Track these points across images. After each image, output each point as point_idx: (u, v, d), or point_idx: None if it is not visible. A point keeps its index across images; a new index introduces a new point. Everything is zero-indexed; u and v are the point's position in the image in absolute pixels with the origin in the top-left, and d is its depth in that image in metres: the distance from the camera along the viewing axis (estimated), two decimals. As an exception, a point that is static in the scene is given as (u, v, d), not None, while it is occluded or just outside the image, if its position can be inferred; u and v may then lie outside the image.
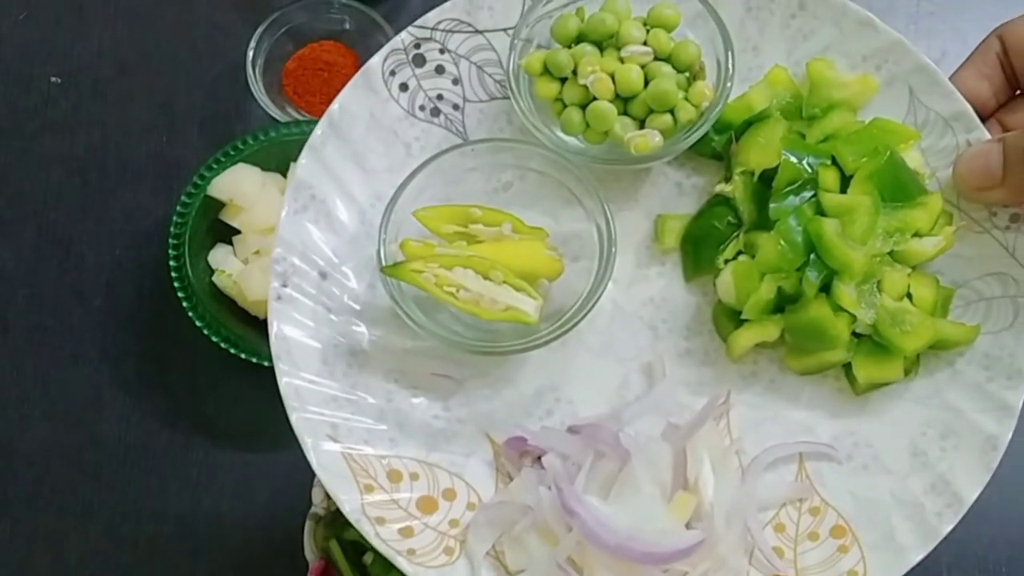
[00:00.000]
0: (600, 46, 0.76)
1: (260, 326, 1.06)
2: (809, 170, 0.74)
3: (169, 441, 1.08)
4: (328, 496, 0.91)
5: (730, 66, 0.75)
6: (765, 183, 0.75)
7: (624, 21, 0.76)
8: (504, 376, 0.75)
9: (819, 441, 0.73)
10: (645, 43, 0.75)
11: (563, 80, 0.76)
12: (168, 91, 1.15)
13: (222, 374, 1.08)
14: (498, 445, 0.73)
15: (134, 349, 1.10)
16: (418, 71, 0.78)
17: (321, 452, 0.70)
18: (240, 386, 1.08)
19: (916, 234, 0.73)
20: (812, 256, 0.72)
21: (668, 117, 0.75)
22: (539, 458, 0.71)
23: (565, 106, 0.76)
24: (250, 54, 1.10)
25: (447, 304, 0.72)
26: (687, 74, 0.76)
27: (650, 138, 0.74)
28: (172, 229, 1.04)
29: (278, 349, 0.72)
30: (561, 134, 0.76)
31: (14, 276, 1.11)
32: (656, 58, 0.75)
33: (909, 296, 0.73)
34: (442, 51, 0.78)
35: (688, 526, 0.69)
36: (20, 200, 1.13)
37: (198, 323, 1.03)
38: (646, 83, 0.75)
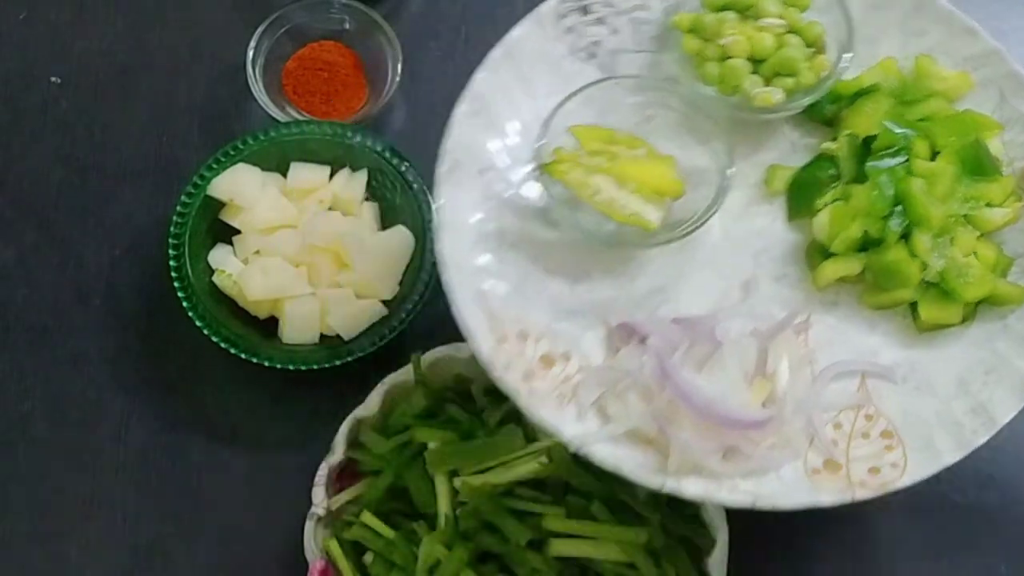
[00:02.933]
0: (741, 14, 0.94)
1: (260, 326, 1.08)
2: (906, 139, 0.92)
3: (169, 441, 1.09)
4: (328, 496, 0.97)
5: (849, 48, 0.93)
6: (865, 146, 0.92)
7: (764, -4, 0.95)
8: (625, 273, 0.92)
9: (881, 364, 0.90)
10: (780, 17, 0.94)
11: (706, 39, 0.95)
12: (168, 91, 1.18)
13: (222, 374, 1.09)
14: (611, 326, 0.90)
15: (134, 349, 1.11)
16: (583, 19, 0.97)
17: (467, 307, 0.87)
18: (240, 386, 1.10)
19: (988, 204, 0.90)
20: (898, 208, 0.89)
21: (790, 80, 0.93)
22: (643, 340, 0.89)
23: (706, 60, 0.94)
24: (250, 54, 1.12)
25: (586, 203, 0.90)
26: (812, 48, 0.94)
27: (772, 95, 0.92)
28: (172, 229, 1.06)
29: (441, 219, 0.90)
30: (700, 84, 0.95)
31: (14, 276, 1.13)
32: (788, 31, 0.94)
33: (975, 255, 0.90)
34: (606, 4, 0.97)
35: (763, 407, 0.86)
36: (20, 200, 1.15)
37: (198, 323, 1.05)
38: (776, 51, 0.93)
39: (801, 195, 0.94)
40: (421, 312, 1.06)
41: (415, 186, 1.08)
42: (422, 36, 1.19)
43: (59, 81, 1.18)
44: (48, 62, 1.18)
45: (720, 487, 0.83)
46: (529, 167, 0.92)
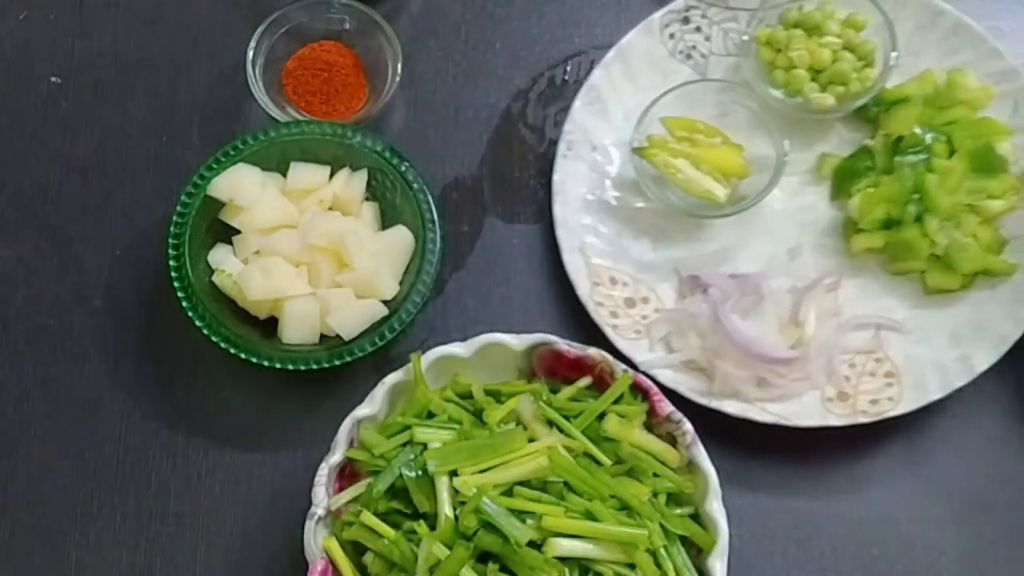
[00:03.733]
0: (808, 32, 1.19)
1: (260, 326, 1.09)
2: (928, 141, 1.16)
3: (169, 441, 1.10)
4: (328, 496, 0.98)
5: (891, 63, 1.17)
6: (897, 145, 1.17)
7: (828, 19, 1.19)
8: (696, 236, 1.19)
9: (894, 318, 1.15)
10: (838, 36, 1.18)
11: (778, 51, 1.20)
12: (168, 91, 1.19)
13: (222, 374, 1.11)
14: (682, 277, 1.18)
15: (134, 349, 1.13)
16: (683, 27, 1.23)
17: (573, 256, 1.16)
18: (240, 386, 1.11)
19: (990, 196, 1.14)
20: (915, 196, 1.14)
21: (842, 88, 1.18)
22: (706, 290, 1.16)
23: (776, 68, 1.20)
24: (250, 54, 1.13)
25: (670, 180, 1.17)
26: (863, 62, 1.19)
27: (826, 100, 1.18)
28: (172, 229, 1.07)
29: (557, 188, 1.18)
30: (769, 87, 1.20)
31: (14, 276, 1.14)
32: (843, 48, 1.18)
33: (975, 236, 1.14)
34: (703, 16, 1.23)
35: (792, 348, 1.13)
36: (20, 200, 1.16)
37: (198, 323, 1.05)
38: (832, 64, 1.18)
39: (843, 180, 1.19)
40: (421, 312, 1.08)
41: (415, 186, 1.10)
42: (422, 36, 1.22)
43: (59, 81, 1.19)
44: (48, 62, 1.20)
45: (752, 408, 1.11)
46: (627, 149, 1.19)
